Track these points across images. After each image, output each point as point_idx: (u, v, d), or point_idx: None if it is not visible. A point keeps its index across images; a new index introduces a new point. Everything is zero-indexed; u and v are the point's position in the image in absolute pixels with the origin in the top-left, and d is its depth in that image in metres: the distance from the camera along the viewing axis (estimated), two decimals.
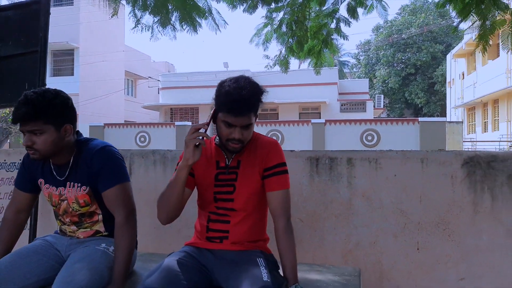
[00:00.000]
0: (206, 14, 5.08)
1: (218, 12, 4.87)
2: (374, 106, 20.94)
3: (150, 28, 4.56)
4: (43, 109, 1.40)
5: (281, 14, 5.81)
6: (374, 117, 19.21)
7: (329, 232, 2.08)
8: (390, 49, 30.65)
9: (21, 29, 2.67)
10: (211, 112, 1.42)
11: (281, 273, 1.41)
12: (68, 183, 1.53)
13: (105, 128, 15.69)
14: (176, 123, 15.18)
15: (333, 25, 5.70)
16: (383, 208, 2.01)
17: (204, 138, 1.35)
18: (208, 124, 1.38)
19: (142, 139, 15.21)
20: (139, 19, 4.46)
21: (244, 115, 1.36)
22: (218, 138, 1.48)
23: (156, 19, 4.84)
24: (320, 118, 17.84)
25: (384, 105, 27.71)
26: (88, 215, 1.57)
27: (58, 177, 1.55)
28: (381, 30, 32.74)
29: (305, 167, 2.10)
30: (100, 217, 1.58)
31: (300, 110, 20.10)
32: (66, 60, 20.26)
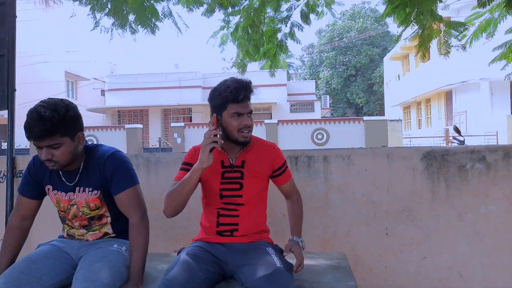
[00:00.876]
0: (165, 17, 5.09)
1: (180, 16, 4.90)
2: (321, 106, 21.88)
3: (110, 30, 4.49)
4: (59, 125, 1.44)
5: (237, 18, 5.96)
6: (322, 117, 20.09)
7: (308, 224, 2.26)
8: (332, 51, 32.14)
9: None
10: (213, 119, 1.53)
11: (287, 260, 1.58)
12: (77, 188, 1.57)
13: None
14: (126, 126, 14.72)
15: (287, 30, 5.98)
16: (355, 200, 2.25)
17: (218, 142, 1.47)
18: (216, 129, 1.50)
19: (90, 143, 14.51)
20: (98, 21, 4.37)
21: (246, 100, 1.57)
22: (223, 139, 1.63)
23: (114, 21, 4.76)
24: (271, 118, 18.29)
25: (329, 105, 29.01)
26: (97, 218, 1.62)
27: (67, 183, 1.58)
28: (323, 33, 34.21)
29: None
30: (109, 219, 1.64)
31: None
32: None
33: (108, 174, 1.56)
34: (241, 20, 5.89)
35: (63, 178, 1.59)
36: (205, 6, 5.46)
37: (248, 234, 1.60)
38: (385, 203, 2.23)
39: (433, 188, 2.20)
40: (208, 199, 1.66)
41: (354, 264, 2.23)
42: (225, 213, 1.61)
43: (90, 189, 1.57)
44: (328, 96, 27.94)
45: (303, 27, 5.92)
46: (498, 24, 5.29)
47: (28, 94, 18.70)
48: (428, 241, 2.20)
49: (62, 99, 1.52)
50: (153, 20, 5.07)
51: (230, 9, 5.91)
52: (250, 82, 1.60)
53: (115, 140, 14.48)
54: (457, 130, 6.36)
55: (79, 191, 1.57)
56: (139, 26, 5.00)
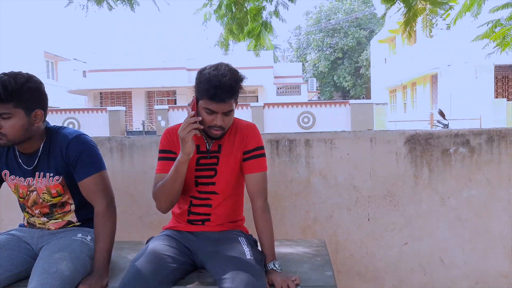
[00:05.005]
0: None
1: None
2: (307, 89, 21.78)
3: (85, 6, 4.26)
4: (14, 92, 1.32)
5: None
6: (309, 100, 20.02)
7: (289, 210, 2.21)
8: (319, 34, 31.87)
9: None
10: (192, 100, 1.44)
11: (259, 249, 1.50)
12: (37, 173, 1.46)
13: None
14: (108, 108, 14.37)
15: (272, 8, 5.84)
16: (337, 185, 2.19)
17: (198, 128, 1.37)
18: (195, 114, 1.40)
19: (71, 126, 14.17)
20: None
21: (225, 101, 1.39)
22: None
23: None
24: (257, 101, 18.13)
25: (316, 88, 28.94)
26: (60, 206, 1.52)
27: (25, 167, 1.47)
28: (310, 15, 33.83)
29: (266, 149, 2.16)
30: (73, 207, 1.54)
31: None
32: None
33: (71, 158, 1.45)
34: None
35: (21, 162, 1.47)
36: None
37: (221, 224, 1.52)
38: (367, 188, 2.18)
39: (416, 173, 2.16)
40: (183, 185, 1.55)
41: (335, 250, 2.19)
42: (198, 202, 1.51)
43: (51, 174, 1.46)
44: (315, 79, 27.85)
45: (288, 5, 5.78)
46: (483, 4, 5.22)
47: None
48: (410, 226, 2.17)
49: (29, 73, 1.40)
50: None
51: None
52: (237, 81, 1.39)
53: (97, 123, 14.15)
54: (441, 113, 6.35)
55: (39, 176, 1.46)
56: (118, 2, 4.79)
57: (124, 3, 4.86)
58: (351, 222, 2.19)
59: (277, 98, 18.69)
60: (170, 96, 20.56)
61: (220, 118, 1.41)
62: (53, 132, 1.48)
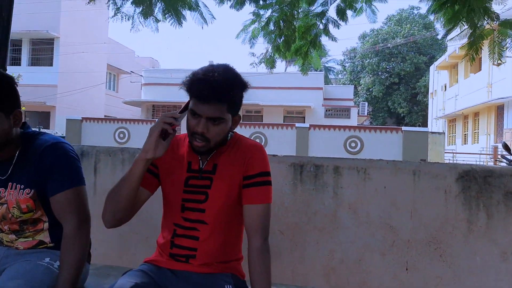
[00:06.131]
0: (192, 6, 4.89)
1: (206, 6, 4.65)
2: (358, 113, 21.04)
3: (131, 18, 4.32)
4: None
5: (269, 12, 5.69)
6: (358, 124, 19.29)
7: (311, 246, 1.89)
8: (375, 57, 31.02)
9: None
10: (187, 102, 1.22)
11: None
12: (10, 183, 1.29)
13: (83, 122, 15.18)
14: (157, 120, 14.81)
15: (321, 26, 5.62)
16: (370, 222, 1.85)
17: (173, 127, 1.15)
18: (181, 111, 1.18)
19: (122, 135, 14.73)
20: (119, 8, 4.21)
21: (211, 102, 1.14)
22: None
23: (138, 9, 4.61)
24: (304, 122, 17.76)
25: (368, 112, 27.96)
26: (32, 223, 1.33)
27: None
28: (367, 38, 33.13)
29: (288, 174, 1.92)
30: (46, 225, 1.34)
31: (285, 113, 20.00)
32: (45, 50, 19.65)
33: (43, 169, 1.26)
34: (273, 14, 5.61)
35: None
36: None
37: (209, 263, 1.24)
38: (407, 230, 1.81)
39: (470, 217, 1.76)
40: (167, 210, 1.31)
41: None
42: (182, 232, 1.25)
43: (22, 186, 1.28)
44: (366, 103, 26.92)
45: (339, 23, 5.53)
46: None
47: (69, 83, 19.48)
48: (460, 283, 1.76)
49: None
50: (181, 9, 4.90)
51: (261, 2, 5.65)
52: (230, 81, 1.16)
53: (145, 133, 14.42)
54: (506, 147, 5.62)
55: (11, 188, 1.29)
56: (166, 16, 4.84)
57: (171, 16, 4.90)
58: (385, 270, 1.83)
59: (325, 120, 18.21)
60: None
61: (203, 123, 1.15)
62: (29, 138, 1.31)
